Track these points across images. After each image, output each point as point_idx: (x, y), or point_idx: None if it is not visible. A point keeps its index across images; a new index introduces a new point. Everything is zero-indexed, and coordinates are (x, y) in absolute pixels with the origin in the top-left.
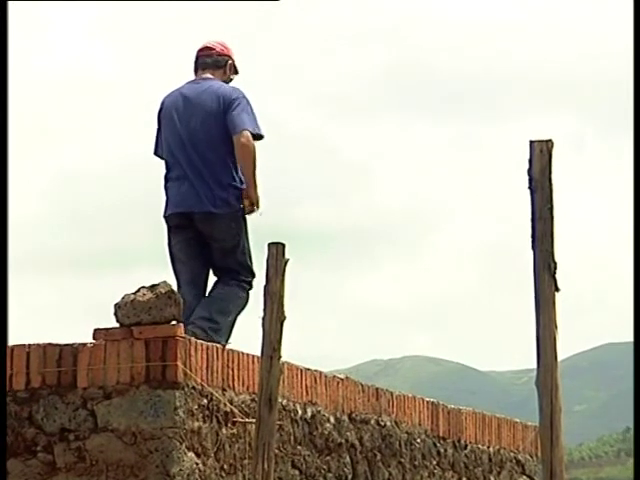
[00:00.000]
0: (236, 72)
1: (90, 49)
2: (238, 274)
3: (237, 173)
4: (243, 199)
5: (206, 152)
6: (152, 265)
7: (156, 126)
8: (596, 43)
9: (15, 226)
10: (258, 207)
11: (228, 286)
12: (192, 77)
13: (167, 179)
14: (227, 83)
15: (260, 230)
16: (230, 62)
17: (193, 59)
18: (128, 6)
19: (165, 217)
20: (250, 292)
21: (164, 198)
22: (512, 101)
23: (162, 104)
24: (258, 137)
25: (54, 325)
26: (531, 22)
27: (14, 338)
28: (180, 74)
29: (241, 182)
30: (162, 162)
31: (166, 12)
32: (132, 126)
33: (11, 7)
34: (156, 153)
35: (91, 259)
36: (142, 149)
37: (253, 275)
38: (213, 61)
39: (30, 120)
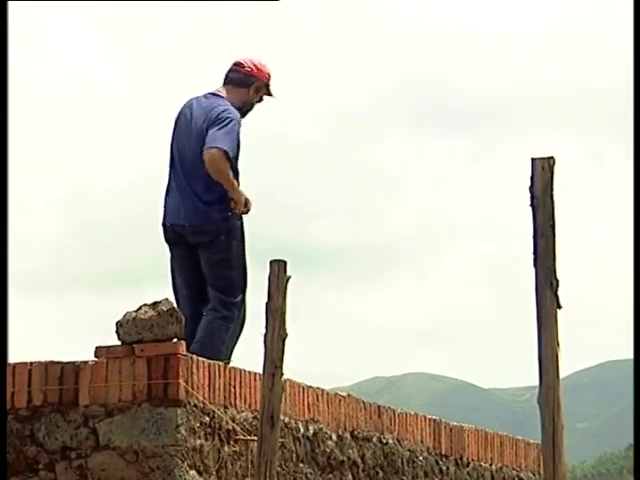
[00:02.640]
0: (268, 94)
1: (101, 64)
2: (223, 294)
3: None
4: (229, 204)
5: (190, 168)
6: (160, 283)
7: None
8: (619, 58)
9: (24, 243)
10: (247, 206)
11: (210, 325)
12: (213, 87)
13: (166, 189)
14: (249, 104)
15: (272, 246)
16: (257, 84)
17: (226, 70)
18: (135, 17)
19: (162, 226)
20: (238, 311)
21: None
22: (528, 117)
23: (179, 110)
24: (228, 156)
25: (62, 342)
26: (547, 36)
27: (19, 355)
28: (187, 85)
29: (226, 196)
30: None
31: (174, 19)
32: (140, 142)
33: (24, 21)
34: None
35: (99, 276)
36: (152, 165)
37: (239, 294)
38: (239, 79)
39: (38, 136)
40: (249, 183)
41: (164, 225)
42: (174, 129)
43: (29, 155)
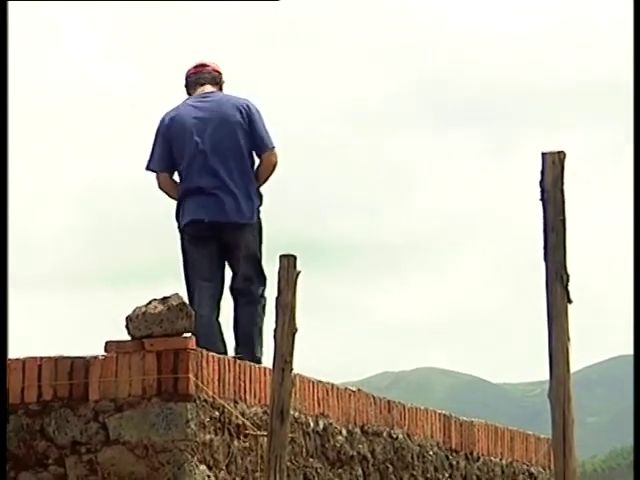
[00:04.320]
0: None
1: (113, 63)
2: (256, 286)
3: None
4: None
5: (231, 161)
6: (177, 280)
7: (153, 141)
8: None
9: (40, 240)
10: None
11: (252, 313)
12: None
13: (185, 190)
14: None
15: (286, 241)
16: (223, 81)
17: (184, 78)
18: (142, 17)
19: (185, 225)
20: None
21: (180, 209)
22: (546, 112)
23: (166, 119)
24: None
25: (78, 338)
26: (564, 31)
27: (35, 351)
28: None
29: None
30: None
31: (174, 19)
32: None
33: (35, 25)
34: (148, 167)
35: (116, 273)
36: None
37: (266, 283)
38: (211, 77)
39: (53, 133)
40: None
41: (189, 222)
42: (180, 132)
43: (44, 153)
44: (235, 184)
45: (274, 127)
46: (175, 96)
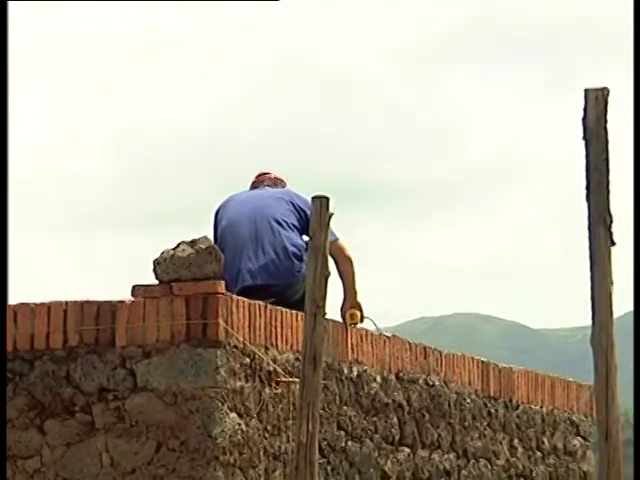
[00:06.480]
0: None
1: (156, 3)
2: None
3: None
4: (345, 310)
5: (274, 224)
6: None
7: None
8: None
9: (78, 180)
10: (363, 315)
11: None
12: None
13: (240, 255)
14: None
15: (339, 184)
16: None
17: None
18: None
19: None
20: None
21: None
22: (598, 47)
23: (217, 211)
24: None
25: (118, 282)
26: None
27: (75, 294)
28: (240, 29)
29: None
30: (227, 120)
31: None
32: (198, 78)
33: None
34: None
35: (153, 214)
36: (208, 106)
37: None
38: (272, 183)
39: (95, 75)
40: (318, 121)
41: (242, 289)
42: (228, 209)
43: (84, 90)
44: (278, 246)
45: (325, 68)
46: (224, 35)
